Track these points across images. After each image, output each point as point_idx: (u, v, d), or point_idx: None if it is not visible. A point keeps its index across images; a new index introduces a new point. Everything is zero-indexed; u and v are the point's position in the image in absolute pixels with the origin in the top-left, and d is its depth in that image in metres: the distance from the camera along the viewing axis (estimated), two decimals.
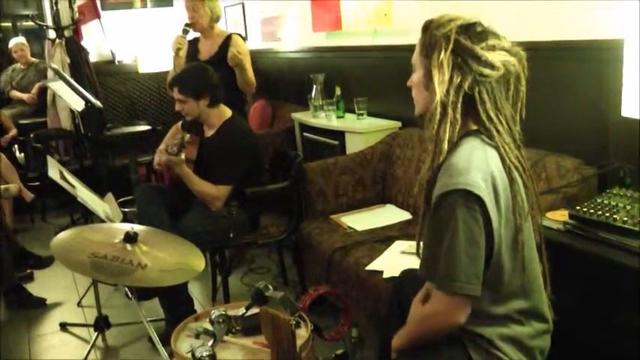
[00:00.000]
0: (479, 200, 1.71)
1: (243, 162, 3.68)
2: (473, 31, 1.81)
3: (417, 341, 1.96)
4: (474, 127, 1.84)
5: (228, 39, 4.58)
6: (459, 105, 1.78)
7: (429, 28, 1.85)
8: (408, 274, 2.47)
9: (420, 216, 2.02)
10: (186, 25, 4.59)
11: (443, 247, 1.75)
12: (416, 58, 1.92)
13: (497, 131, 1.82)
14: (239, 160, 3.66)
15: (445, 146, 1.77)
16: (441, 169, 1.80)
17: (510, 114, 1.86)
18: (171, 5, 7.69)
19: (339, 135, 4.55)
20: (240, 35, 4.72)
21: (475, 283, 1.73)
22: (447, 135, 1.77)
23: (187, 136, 3.47)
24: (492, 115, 1.81)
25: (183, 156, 3.49)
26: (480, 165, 1.75)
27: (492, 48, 1.79)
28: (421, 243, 2.03)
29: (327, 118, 4.79)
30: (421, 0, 3.98)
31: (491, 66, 1.77)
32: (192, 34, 4.69)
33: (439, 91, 1.77)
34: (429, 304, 1.88)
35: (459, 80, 1.77)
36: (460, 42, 1.78)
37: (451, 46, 1.77)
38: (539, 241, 1.95)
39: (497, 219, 1.75)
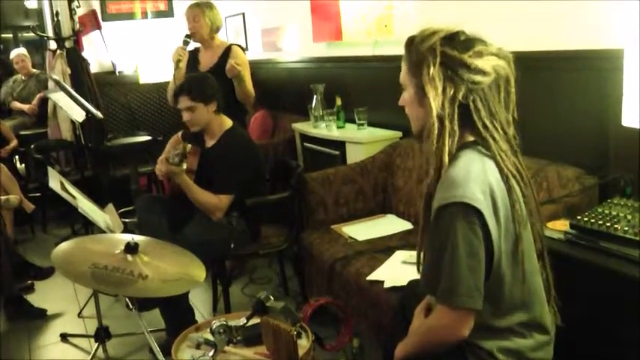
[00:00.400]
0: (477, 213, 1.71)
1: (245, 171, 3.68)
2: (457, 41, 1.81)
3: (420, 353, 1.96)
4: (471, 139, 1.84)
5: (227, 50, 4.60)
6: (456, 116, 1.77)
7: (412, 44, 1.86)
8: (413, 285, 2.46)
9: (419, 228, 2.01)
10: (187, 36, 4.61)
11: (443, 260, 1.75)
12: (404, 76, 1.92)
13: (494, 139, 1.81)
14: (240, 169, 3.66)
15: (446, 159, 1.77)
16: (439, 182, 1.80)
17: (505, 118, 1.85)
18: (172, 16, 7.70)
19: (340, 145, 4.55)
20: (240, 46, 4.74)
21: (476, 297, 1.73)
22: (447, 148, 1.77)
23: (189, 146, 3.46)
24: (487, 122, 1.81)
25: (184, 166, 3.48)
26: (477, 177, 1.75)
27: (480, 54, 1.78)
28: (421, 256, 2.03)
29: (327, 128, 4.79)
30: (422, 10, 4.00)
31: (482, 72, 1.77)
32: (193, 45, 4.71)
33: (435, 105, 1.77)
34: (432, 317, 1.88)
35: (452, 92, 1.77)
36: (447, 53, 1.77)
37: (439, 59, 1.77)
38: (540, 248, 1.94)
39: (497, 231, 1.75)
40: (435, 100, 1.77)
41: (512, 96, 1.86)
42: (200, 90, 3.69)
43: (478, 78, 1.76)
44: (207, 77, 3.84)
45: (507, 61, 1.82)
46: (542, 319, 1.92)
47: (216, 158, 3.73)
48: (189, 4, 4.69)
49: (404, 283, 2.58)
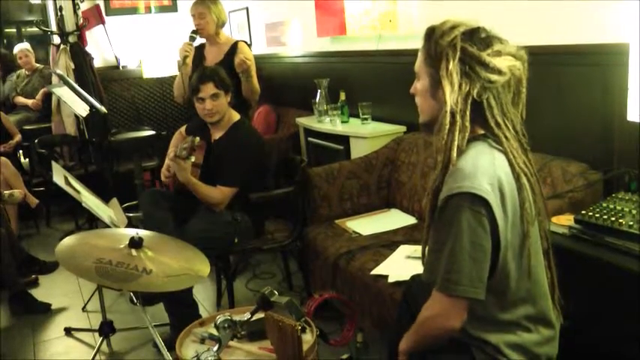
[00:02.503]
0: (485, 204, 1.70)
1: (250, 164, 3.70)
2: (477, 38, 1.80)
3: (418, 345, 1.96)
4: (481, 132, 1.84)
5: (234, 46, 4.60)
6: (468, 112, 1.77)
7: (432, 36, 1.84)
8: (417, 279, 2.46)
9: (425, 224, 2.01)
10: (193, 32, 4.60)
11: (446, 248, 1.75)
12: (420, 66, 1.91)
13: (505, 137, 1.82)
14: (246, 162, 3.68)
15: (454, 154, 1.77)
16: (447, 174, 1.80)
17: (516, 117, 1.86)
18: (176, 11, 7.69)
19: (344, 140, 4.55)
20: (245, 42, 4.73)
21: (479, 287, 1.73)
22: (456, 143, 1.77)
23: (197, 139, 3.44)
24: (500, 120, 1.81)
25: (193, 159, 3.47)
26: (486, 170, 1.75)
27: (499, 53, 1.78)
28: (426, 250, 2.03)
29: (331, 123, 4.79)
30: (426, 5, 3.99)
31: (499, 72, 1.76)
32: (198, 40, 4.70)
33: (449, 100, 1.77)
34: (428, 306, 1.86)
35: (467, 88, 1.77)
36: (467, 50, 1.77)
37: (458, 54, 1.77)
38: (546, 247, 1.94)
39: (504, 224, 1.74)
40: (450, 96, 1.77)
41: (522, 96, 1.86)
42: (222, 79, 3.73)
43: (494, 77, 1.76)
44: (223, 69, 3.86)
45: (522, 62, 1.82)
46: (547, 313, 1.92)
47: (223, 150, 3.73)
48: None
49: (408, 277, 2.58)
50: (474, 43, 1.78)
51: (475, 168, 1.74)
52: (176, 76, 4.82)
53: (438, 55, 1.80)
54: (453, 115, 1.77)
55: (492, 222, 1.72)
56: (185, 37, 4.63)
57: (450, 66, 1.77)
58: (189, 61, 4.58)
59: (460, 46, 1.77)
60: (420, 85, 1.93)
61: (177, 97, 4.86)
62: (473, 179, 1.72)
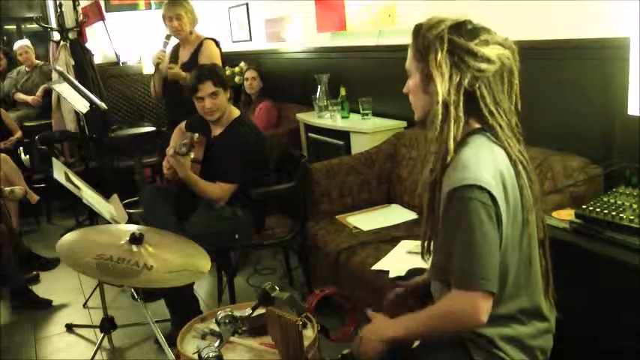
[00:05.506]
0: (490, 196, 1.70)
1: (250, 161, 3.70)
2: (464, 29, 1.81)
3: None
4: (477, 126, 1.84)
5: (200, 45, 4.64)
6: (461, 103, 1.78)
7: (419, 31, 1.86)
8: (414, 273, 2.46)
9: (423, 218, 2.00)
10: (167, 37, 4.58)
11: (457, 243, 1.74)
12: (410, 63, 1.92)
13: (500, 126, 1.82)
14: (246, 158, 3.68)
15: (451, 145, 1.77)
16: (449, 168, 1.79)
17: (508, 107, 1.86)
18: None
19: (344, 135, 4.55)
20: (213, 40, 4.74)
21: (493, 279, 1.72)
22: (452, 134, 1.77)
23: (196, 135, 3.44)
24: (493, 109, 1.81)
25: (192, 155, 3.47)
26: (488, 163, 1.75)
27: (486, 43, 1.79)
28: (425, 244, 2.03)
29: (331, 119, 4.79)
30: (425, 0, 3.99)
31: (488, 60, 1.77)
32: (172, 42, 4.72)
33: (441, 91, 1.77)
34: (447, 302, 1.82)
35: (458, 78, 1.77)
36: (454, 41, 1.78)
37: (446, 45, 1.78)
38: (542, 237, 1.93)
39: (506, 216, 1.75)
40: (441, 86, 1.77)
41: (515, 87, 1.86)
42: (220, 76, 3.74)
43: (484, 66, 1.77)
44: (219, 66, 3.85)
45: (512, 52, 1.83)
46: (541, 306, 1.92)
47: (223, 146, 3.73)
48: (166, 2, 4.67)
49: None
50: (462, 34, 1.80)
51: (478, 161, 1.74)
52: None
53: (426, 49, 1.81)
54: (446, 106, 1.78)
55: (497, 214, 1.72)
56: None
57: (439, 57, 1.77)
58: (163, 67, 4.59)
59: (447, 38, 1.78)
60: (411, 83, 1.93)
61: (154, 94, 4.96)
62: (477, 171, 1.71)
